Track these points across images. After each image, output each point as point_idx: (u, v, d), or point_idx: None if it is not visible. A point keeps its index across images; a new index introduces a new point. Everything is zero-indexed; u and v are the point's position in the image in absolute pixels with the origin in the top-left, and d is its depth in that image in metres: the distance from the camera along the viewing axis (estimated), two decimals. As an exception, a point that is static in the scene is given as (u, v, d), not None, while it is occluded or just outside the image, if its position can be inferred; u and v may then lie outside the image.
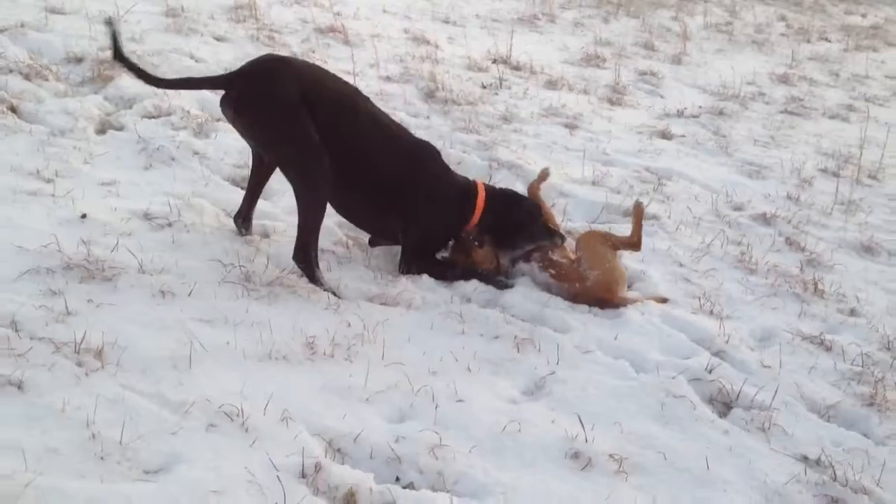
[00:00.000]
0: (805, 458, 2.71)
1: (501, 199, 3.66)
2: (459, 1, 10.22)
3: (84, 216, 3.37)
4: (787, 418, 2.90)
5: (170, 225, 3.44)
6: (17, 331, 2.59)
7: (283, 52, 6.09)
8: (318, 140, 3.25)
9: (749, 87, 8.06)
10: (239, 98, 3.30)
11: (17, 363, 2.44)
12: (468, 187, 3.64)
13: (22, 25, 5.32)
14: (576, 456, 2.53)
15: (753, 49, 10.52)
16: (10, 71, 4.62)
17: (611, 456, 2.54)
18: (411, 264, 3.49)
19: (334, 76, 3.55)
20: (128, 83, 4.78)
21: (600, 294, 3.38)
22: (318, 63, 4.69)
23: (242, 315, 2.93)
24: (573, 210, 4.34)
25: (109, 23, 3.37)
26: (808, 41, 11.59)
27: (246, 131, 3.36)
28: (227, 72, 3.56)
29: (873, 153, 6.09)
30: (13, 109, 4.19)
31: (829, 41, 11.85)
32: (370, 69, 6.17)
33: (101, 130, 4.25)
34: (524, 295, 3.38)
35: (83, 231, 3.24)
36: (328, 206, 3.39)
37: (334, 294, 3.23)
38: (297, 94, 3.29)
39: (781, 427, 2.85)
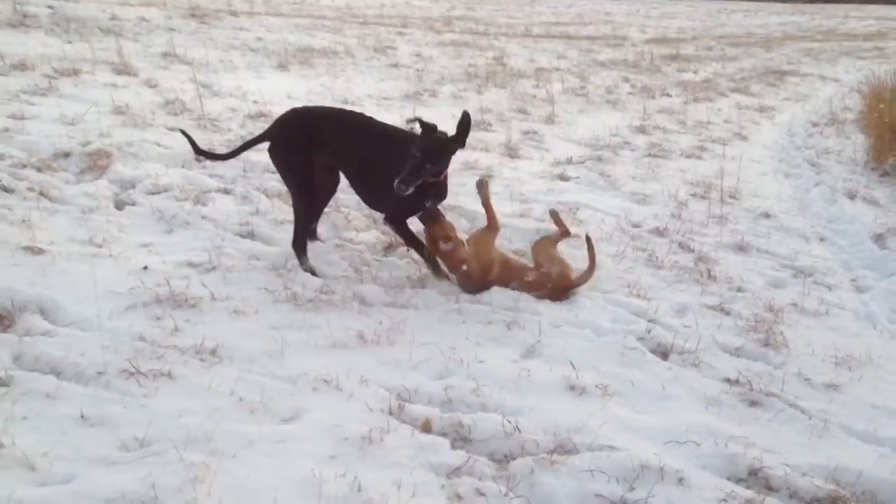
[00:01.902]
0: (728, 380, 3.79)
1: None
2: (348, 84, 11.33)
3: (146, 267, 4.18)
4: (710, 357, 3.98)
5: (214, 269, 4.29)
6: (149, 343, 3.41)
7: (228, 135, 7.02)
8: (309, 173, 4.44)
9: (615, 138, 9.39)
10: (269, 147, 4.53)
11: (161, 362, 3.28)
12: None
13: (6, 130, 6.03)
14: (572, 388, 3.52)
15: (609, 107, 11.99)
16: (24, 166, 5.36)
17: (596, 386, 3.55)
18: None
19: (335, 109, 4.81)
20: (121, 169, 5.59)
21: (562, 283, 4.42)
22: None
23: (301, 321, 3.83)
24: (513, 236, 5.37)
25: (184, 133, 4.68)
26: (653, 97, 13.19)
27: (275, 165, 4.58)
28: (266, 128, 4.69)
29: (729, 180, 7.44)
30: (43, 194, 4.94)
31: (671, 96, 13.50)
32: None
33: (120, 206, 5.04)
34: (502, 293, 4.38)
35: (152, 277, 4.06)
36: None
37: (313, 273, 4.36)
38: (300, 135, 4.48)
39: (707, 363, 3.93)
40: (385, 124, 4.70)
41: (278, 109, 8.09)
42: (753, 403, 3.60)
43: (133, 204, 5.09)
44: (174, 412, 2.98)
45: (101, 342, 3.36)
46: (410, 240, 4.57)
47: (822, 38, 30.43)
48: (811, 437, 3.38)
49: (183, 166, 5.92)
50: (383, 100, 10.55)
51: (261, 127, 7.27)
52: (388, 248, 4.89)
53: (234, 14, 17.88)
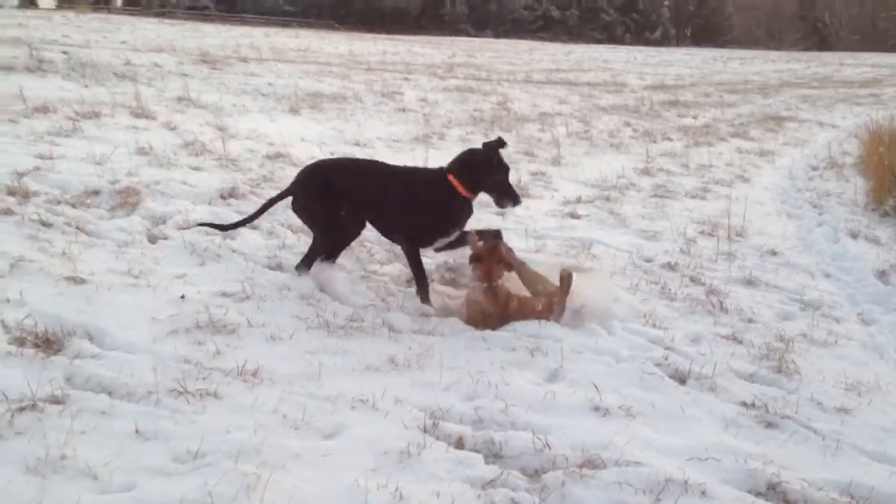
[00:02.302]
0: (744, 403, 3.96)
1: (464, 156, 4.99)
2: (359, 128, 11.61)
3: (183, 296, 4.36)
4: (725, 382, 4.15)
5: (248, 298, 4.47)
6: (194, 365, 3.59)
7: (250, 174, 7.25)
8: (333, 220, 4.82)
9: (621, 179, 9.64)
10: (292, 200, 4.83)
11: (207, 383, 3.45)
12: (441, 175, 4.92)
13: (38, 168, 6.25)
14: (596, 409, 3.69)
15: (613, 150, 12.28)
16: (59, 202, 5.56)
17: (619, 407, 3.72)
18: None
19: (355, 160, 5.37)
20: (151, 205, 5.81)
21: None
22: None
23: (335, 346, 4.00)
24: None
25: (202, 224, 5.38)
26: (655, 141, 13.49)
27: (301, 218, 4.94)
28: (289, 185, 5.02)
29: (735, 219, 7.66)
30: (80, 229, 5.14)
31: (672, 140, 13.81)
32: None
33: (153, 240, 5.24)
34: (524, 321, 4.56)
35: (190, 306, 4.25)
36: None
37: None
38: (320, 185, 4.82)
39: (723, 387, 4.09)
40: (393, 165, 5.06)
41: (294, 151, 8.37)
42: (769, 425, 3.76)
43: (165, 238, 5.28)
44: (223, 428, 3.14)
45: (148, 364, 3.53)
46: (420, 272, 4.83)
47: (818, 85, 30.95)
48: (825, 456, 3.53)
49: (210, 203, 6.13)
50: (393, 142, 10.82)
51: (279, 167, 7.54)
52: (411, 280, 5.06)
53: (244, 60, 18.28)
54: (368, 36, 45.59)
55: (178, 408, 3.26)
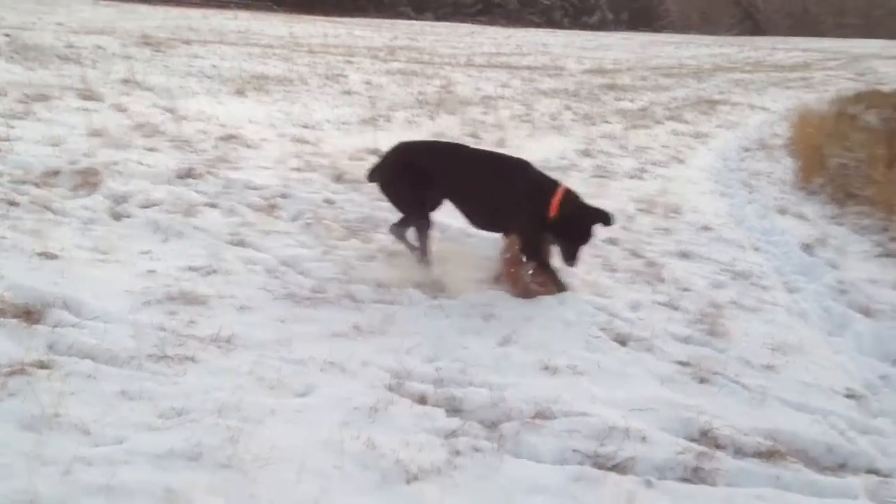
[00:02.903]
0: (679, 362, 4.30)
1: (570, 207, 4.94)
2: (306, 110, 11.77)
3: (152, 271, 4.57)
4: (662, 344, 4.50)
5: (215, 272, 4.69)
6: (170, 333, 3.81)
7: (204, 155, 7.41)
8: (414, 194, 5.03)
9: (563, 161, 9.97)
10: (377, 181, 5.18)
11: (184, 348, 3.69)
12: (548, 188, 4.97)
13: (-4, 149, 6.37)
14: (546, 368, 4.00)
15: (555, 133, 12.59)
16: (23, 182, 5.70)
17: (567, 366, 4.04)
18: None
19: (436, 142, 5.63)
20: (112, 185, 5.97)
21: None
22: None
23: (302, 315, 4.26)
24: (482, 244, 5.86)
25: None
26: (594, 124, 13.84)
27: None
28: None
29: (671, 198, 8.05)
30: (46, 207, 5.30)
31: (611, 123, 14.19)
32: (279, 165, 7.54)
33: (117, 218, 5.41)
34: (477, 292, 4.86)
35: (160, 279, 4.46)
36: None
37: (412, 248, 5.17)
38: (402, 165, 5.08)
39: (660, 348, 4.44)
40: (486, 151, 5.34)
41: (246, 132, 8.53)
42: (702, 381, 4.11)
43: (129, 216, 5.46)
44: (203, 388, 3.38)
45: (127, 332, 3.75)
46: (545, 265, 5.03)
47: (750, 69, 31.74)
48: (752, 407, 3.90)
49: (169, 183, 6.30)
50: (342, 124, 10.99)
51: (233, 148, 7.71)
52: (370, 256, 5.31)
53: (186, 42, 18.23)
54: (307, 18, 45.31)
55: (159, 371, 3.50)
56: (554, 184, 5.00)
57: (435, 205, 5.18)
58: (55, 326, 3.72)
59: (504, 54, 31.12)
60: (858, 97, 15.86)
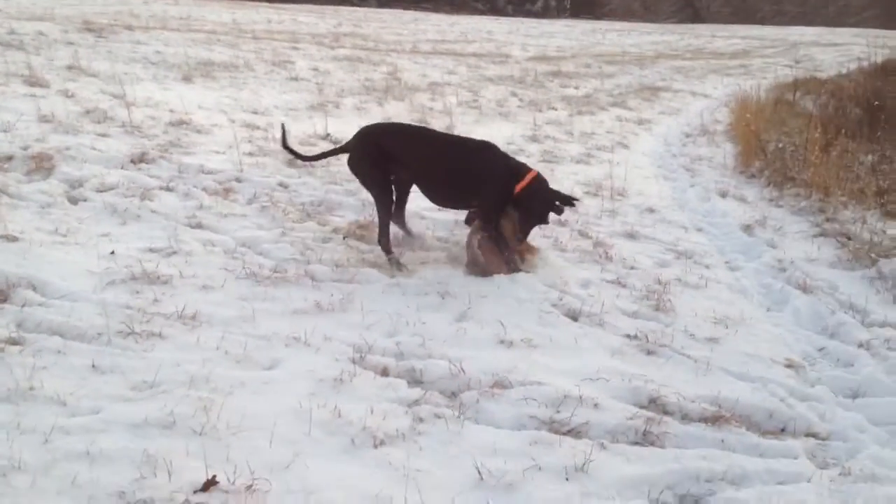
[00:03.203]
0: (627, 335, 4.51)
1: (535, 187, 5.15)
2: (254, 96, 11.79)
3: (113, 252, 4.64)
4: (612, 319, 4.70)
5: (175, 253, 4.78)
6: (136, 310, 3.90)
7: (156, 140, 7.44)
8: (383, 176, 5.16)
9: (511, 146, 10.13)
10: (348, 159, 5.27)
11: (151, 325, 3.78)
12: (517, 171, 5.18)
13: (-54, 135, 6.34)
14: (502, 342, 4.18)
15: (502, 119, 12.77)
16: (-24, 166, 5.71)
17: (521, 340, 4.21)
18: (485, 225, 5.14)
19: (404, 125, 5.64)
20: (66, 169, 5.99)
21: None
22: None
23: (264, 294, 4.37)
24: (434, 226, 6.01)
25: (283, 126, 5.75)
26: (540, 110, 14.04)
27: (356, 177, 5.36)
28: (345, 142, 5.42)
29: (616, 181, 8.28)
30: (2, 192, 5.32)
31: (556, 109, 14.39)
32: (230, 150, 7.60)
33: (73, 202, 5.45)
34: (432, 271, 5.01)
35: (121, 260, 4.53)
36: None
37: (399, 266, 5.04)
38: (372, 147, 5.16)
39: (610, 323, 4.64)
40: (447, 135, 5.59)
41: (196, 118, 8.56)
42: (650, 353, 4.31)
43: (85, 200, 5.50)
44: (172, 362, 3.49)
45: (94, 310, 3.83)
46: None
47: (691, 57, 32.28)
48: (697, 376, 4.11)
49: (122, 168, 6.33)
50: (290, 110, 11.04)
51: (184, 133, 7.75)
52: (327, 238, 5.43)
53: (128, 28, 18.01)
54: (250, 3, 44.83)
55: (128, 346, 3.59)
56: (526, 167, 5.26)
57: (403, 187, 5.36)
58: (23, 305, 3.80)
59: (449, 41, 31.21)
60: (796, 84, 16.29)
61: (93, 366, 3.37)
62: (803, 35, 50.23)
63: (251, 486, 2.77)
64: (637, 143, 11.78)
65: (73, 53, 12.51)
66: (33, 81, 9.72)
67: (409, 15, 53.96)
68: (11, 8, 22.34)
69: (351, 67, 16.95)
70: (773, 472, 3.30)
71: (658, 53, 33.37)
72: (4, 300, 3.84)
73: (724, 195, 8.38)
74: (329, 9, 50.75)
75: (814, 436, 3.71)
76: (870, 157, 9.84)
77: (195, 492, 2.70)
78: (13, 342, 3.46)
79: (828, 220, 7.25)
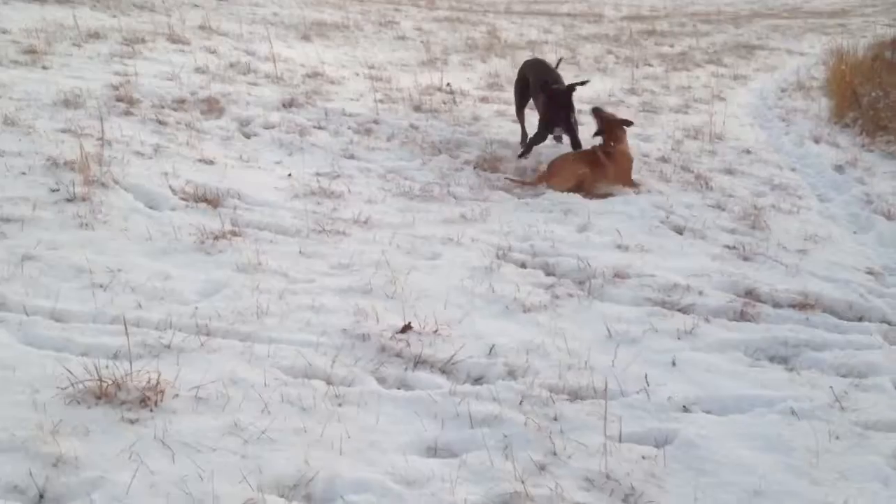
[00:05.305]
0: (727, 246, 5.22)
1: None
2: (368, 53, 12.68)
3: (290, 174, 5.59)
4: (713, 234, 5.41)
5: (339, 176, 5.70)
6: (321, 216, 4.82)
7: (298, 89, 8.38)
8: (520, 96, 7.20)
9: (612, 98, 10.81)
10: None
11: (336, 225, 4.69)
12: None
13: (128, 82, 7.37)
14: (619, 247, 4.96)
15: (600, 74, 13.39)
16: (162, 107, 6.72)
17: (636, 245, 4.99)
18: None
19: (539, 61, 7.74)
20: (235, 110, 6.96)
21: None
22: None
23: (417, 207, 5.26)
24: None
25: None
26: (637, 67, 14.57)
27: None
28: None
29: (715, 127, 8.92)
30: (190, 126, 6.32)
31: (652, 66, 14.92)
32: (362, 97, 8.50)
33: (247, 136, 6.44)
34: (555, 192, 5.82)
35: (298, 180, 5.47)
36: None
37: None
38: (521, 75, 6.96)
39: (711, 237, 5.36)
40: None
41: (327, 69, 9.49)
42: (746, 259, 5.04)
43: (256, 135, 6.47)
44: (358, 251, 4.40)
45: (288, 214, 4.79)
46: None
47: (788, 16, 31.98)
48: (788, 276, 4.82)
49: (278, 110, 7.29)
50: (403, 66, 11.88)
51: (321, 84, 8.68)
52: (459, 168, 6.28)
53: (244, -10, 19.08)
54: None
55: (322, 240, 4.52)
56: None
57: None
58: (234, 209, 4.74)
59: (542, 2, 31.61)
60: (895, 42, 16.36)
61: (300, 252, 4.30)
62: (907, -8, 48.74)
63: (437, 330, 3.65)
64: (733, 97, 12.26)
65: (203, 15, 13.57)
66: (176, 39, 10.78)
67: (501, -24, 54.15)
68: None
69: (451, 27, 17.71)
70: (851, 342, 4.01)
71: (754, 12, 33.11)
72: (217, 205, 4.80)
73: (817, 141, 8.91)
74: (422, -28, 51.22)
75: (888, 322, 4.37)
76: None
77: (396, 333, 3.59)
78: (235, 234, 4.41)
79: (917, 161, 7.77)
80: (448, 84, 9.93)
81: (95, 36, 9.96)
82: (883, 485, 2.91)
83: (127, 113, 6.35)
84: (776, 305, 4.41)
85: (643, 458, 2.94)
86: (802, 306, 4.40)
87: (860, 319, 4.42)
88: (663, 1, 38.03)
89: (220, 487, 2.56)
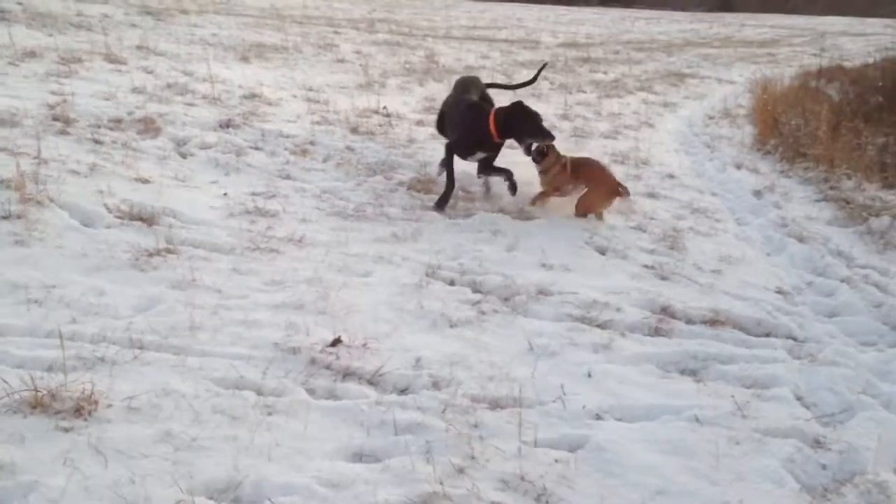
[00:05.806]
0: (645, 265, 5.50)
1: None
2: (307, 76, 12.82)
3: (226, 193, 5.71)
4: (633, 254, 5.68)
5: (274, 196, 5.83)
6: (256, 234, 4.96)
7: (235, 110, 8.49)
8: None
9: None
10: None
11: (270, 243, 4.83)
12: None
13: (64, 101, 7.42)
14: (544, 265, 5.19)
15: (535, 99, 13.68)
16: (98, 126, 6.79)
17: (560, 265, 5.22)
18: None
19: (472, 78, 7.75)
20: (171, 131, 7.06)
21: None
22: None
23: (351, 226, 5.41)
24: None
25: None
26: (570, 93, 14.95)
27: None
28: None
29: (641, 153, 9.25)
30: (126, 146, 6.39)
31: (586, 92, 15.33)
32: (299, 119, 8.64)
33: (183, 156, 6.52)
34: (484, 214, 6.03)
35: (233, 199, 5.59)
36: None
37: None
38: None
39: (632, 257, 5.63)
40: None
41: (265, 91, 9.63)
42: (663, 278, 5.31)
43: (192, 155, 6.57)
44: (291, 269, 4.56)
45: (223, 233, 4.91)
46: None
47: (719, 45, 32.95)
48: (701, 295, 5.10)
49: (215, 130, 7.40)
50: (341, 88, 12.05)
51: (258, 105, 8.81)
52: (393, 189, 6.46)
53: (183, 12, 19.11)
54: (286, -10, 45.85)
55: (256, 257, 4.66)
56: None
57: None
58: (169, 227, 4.85)
59: (481, 28, 32.09)
60: (820, 71, 17.01)
61: (234, 269, 4.44)
62: (833, 25, 50.54)
63: (366, 344, 3.82)
64: (662, 124, 12.69)
65: (140, 35, 13.60)
66: (113, 59, 10.80)
67: (440, 1, 54.81)
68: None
69: (391, 51, 17.95)
70: (756, 356, 4.29)
71: (686, 41, 34.06)
72: (153, 223, 4.90)
73: (738, 167, 9.30)
74: (362, -5, 51.60)
75: (793, 339, 4.67)
76: (881, 140, 10.69)
77: (327, 346, 3.75)
78: (169, 251, 4.53)
79: (831, 188, 8.15)
80: (384, 107, 10.13)
81: (32, 55, 9.94)
82: (777, 485, 3.16)
83: (63, 132, 6.40)
84: (689, 322, 4.67)
85: (556, 461, 3.14)
86: (713, 322, 4.66)
87: (767, 335, 4.70)
88: (599, 29, 38.93)
89: (152, 490, 2.69)
